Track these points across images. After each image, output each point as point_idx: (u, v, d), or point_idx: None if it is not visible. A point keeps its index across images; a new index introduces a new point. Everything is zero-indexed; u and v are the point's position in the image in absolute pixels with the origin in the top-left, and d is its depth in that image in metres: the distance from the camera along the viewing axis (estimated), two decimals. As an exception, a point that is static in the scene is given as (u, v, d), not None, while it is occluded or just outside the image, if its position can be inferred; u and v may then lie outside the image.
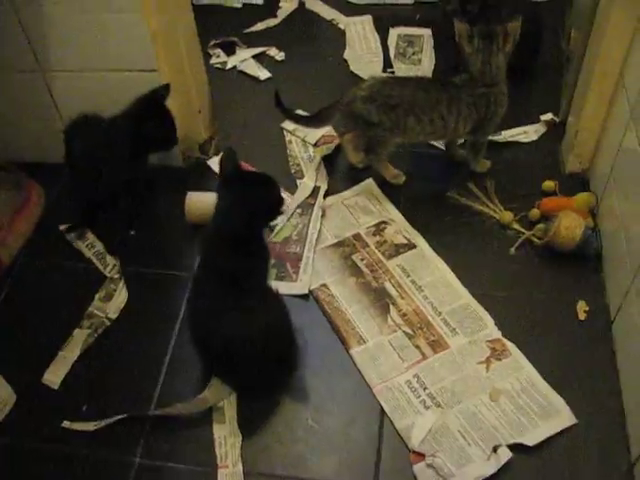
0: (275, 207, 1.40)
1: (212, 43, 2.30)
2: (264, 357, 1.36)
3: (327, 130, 1.94)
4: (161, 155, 1.84)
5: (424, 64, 2.20)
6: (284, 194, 1.68)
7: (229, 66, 2.26)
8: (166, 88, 1.67)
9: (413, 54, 2.25)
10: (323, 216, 1.76)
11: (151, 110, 1.67)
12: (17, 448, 1.42)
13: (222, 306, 1.34)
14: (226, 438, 1.39)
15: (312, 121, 1.85)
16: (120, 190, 1.76)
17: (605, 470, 1.29)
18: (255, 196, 1.34)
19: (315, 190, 1.81)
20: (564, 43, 2.15)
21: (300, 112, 1.90)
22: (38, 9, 1.66)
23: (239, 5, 2.51)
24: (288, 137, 1.97)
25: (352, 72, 2.19)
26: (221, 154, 1.44)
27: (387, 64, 2.22)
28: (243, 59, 2.27)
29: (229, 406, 1.44)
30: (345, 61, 2.24)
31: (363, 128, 1.75)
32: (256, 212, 1.35)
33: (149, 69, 1.71)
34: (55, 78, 1.80)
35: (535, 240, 1.66)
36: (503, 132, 1.92)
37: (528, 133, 1.94)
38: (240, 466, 1.35)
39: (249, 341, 1.33)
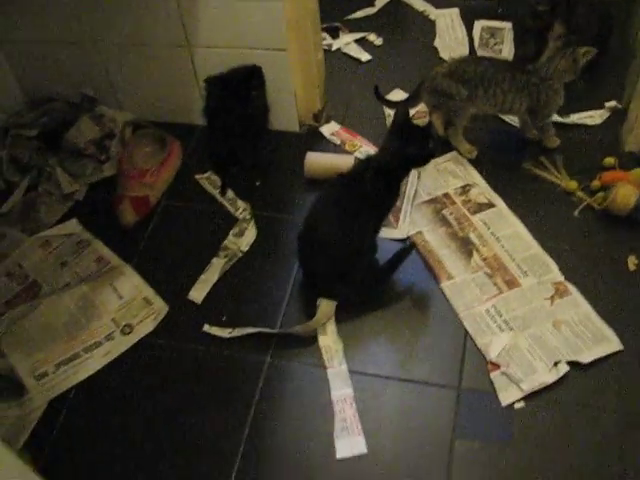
0: (427, 157, 1.71)
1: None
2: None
3: (419, 107, 2.22)
4: (281, 120, 2.18)
5: (504, 54, 2.46)
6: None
7: (334, 48, 2.54)
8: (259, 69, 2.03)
9: (495, 44, 2.50)
10: (418, 178, 2.07)
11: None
12: (168, 347, 1.77)
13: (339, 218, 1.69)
14: (330, 346, 1.72)
15: (405, 104, 2.12)
16: (243, 142, 2.09)
17: None
18: (415, 145, 1.66)
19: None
20: (631, 40, 2.37)
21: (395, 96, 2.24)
22: None
23: (341, -6, 2.80)
24: (387, 112, 2.25)
25: (441, 58, 2.45)
26: (396, 109, 1.77)
27: (472, 52, 2.47)
28: (346, 42, 2.55)
29: (330, 321, 1.76)
30: (435, 48, 2.51)
31: (444, 101, 2.05)
32: (412, 157, 1.68)
33: (280, 48, 2.01)
34: (198, 53, 2.10)
35: (595, 206, 1.93)
36: (572, 115, 2.18)
37: (594, 117, 2.20)
38: (345, 366, 1.68)
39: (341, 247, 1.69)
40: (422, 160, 1.71)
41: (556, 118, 2.16)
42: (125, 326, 1.82)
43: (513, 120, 2.19)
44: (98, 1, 2.05)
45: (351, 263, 1.72)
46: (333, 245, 1.70)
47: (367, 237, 1.74)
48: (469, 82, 2.00)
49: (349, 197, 1.69)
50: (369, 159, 1.73)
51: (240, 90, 2.00)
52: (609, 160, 2.05)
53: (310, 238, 1.75)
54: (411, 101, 2.15)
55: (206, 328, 1.79)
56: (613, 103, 2.23)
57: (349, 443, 1.56)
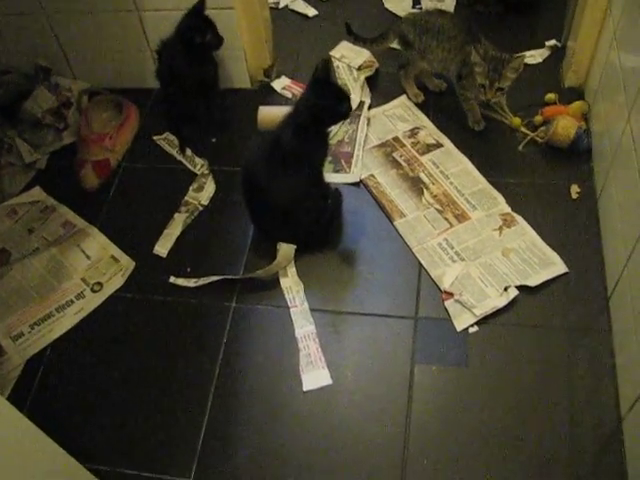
0: (343, 114, 1.70)
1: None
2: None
3: (368, 56, 2.28)
4: (233, 78, 2.24)
5: (447, 0, 2.53)
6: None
7: (281, 5, 2.60)
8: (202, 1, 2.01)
9: (439, -6, 2.56)
10: (368, 124, 2.14)
11: (196, 19, 2.02)
12: (138, 300, 1.85)
13: (277, 172, 1.72)
14: (291, 287, 1.81)
15: (375, 41, 2.20)
16: (196, 101, 2.13)
17: (587, 304, 1.69)
18: (333, 101, 1.66)
19: (361, 104, 2.18)
20: None
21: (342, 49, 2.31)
22: None
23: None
24: (336, 63, 2.30)
25: (386, 9, 2.53)
26: (317, 63, 1.69)
27: (415, 1, 2.55)
28: (293, -1, 2.62)
29: (290, 263, 1.84)
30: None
31: (403, 46, 2.12)
32: (329, 112, 1.68)
33: (227, 7, 2.06)
34: (148, 17, 2.15)
35: (538, 140, 2.02)
36: (514, 55, 2.28)
37: (535, 56, 2.28)
38: (307, 305, 1.77)
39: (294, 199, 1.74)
40: (336, 118, 1.72)
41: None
42: (95, 284, 1.88)
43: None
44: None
45: (291, 211, 1.79)
46: (269, 196, 1.76)
47: (304, 188, 1.77)
48: (426, 33, 2.05)
49: (277, 153, 1.71)
50: (289, 115, 1.73)
51: (189, 45, 2.02)
52: (550, 96, 2.14)
53: (249, 188, 1.82)
54: (379, 40, 2.21)
55: (172, 280, 1.86)
56: (553, 42, 2.32)
57: (314, 376, 1.66)
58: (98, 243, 1.97)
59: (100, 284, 1.88)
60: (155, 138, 2.21)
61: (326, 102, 1.65)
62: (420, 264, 1.81)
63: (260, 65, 2.29)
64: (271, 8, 2.46)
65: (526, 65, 2.22)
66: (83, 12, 2.18)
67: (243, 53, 2.20)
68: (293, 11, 2.60)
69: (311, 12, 2.57)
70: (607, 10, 1.95)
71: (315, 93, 1.67)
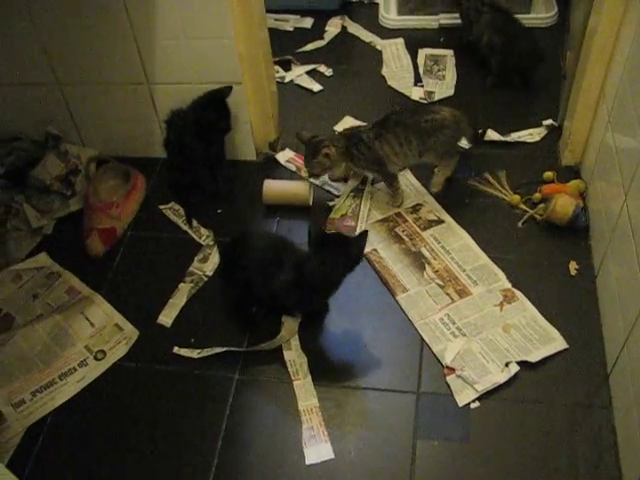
0: (353, 264, 1.73)
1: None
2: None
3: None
4: (239, 150, 2.29)
5: (447, 79, 2.61)
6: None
7: (287, 80, 2.67)
8: (229, 89, 2.10)
9: (438, 71, 2.64)
10: (371, 199, 2.19)
11: (215, 104, 2.12)
12: (141, 369, 1.84)
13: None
14: (295, 360, 1.82)
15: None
16: (203, 172, 2.19)
17: (587, 380, 1.71)
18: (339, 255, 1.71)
19: (364, 178, 2.24)
20: (562, 62, 2.55)
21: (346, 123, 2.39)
22: (152, 35, 2.08)
23: (291, 29, 2.94)
24: None
25: (389, 86, 2.60)
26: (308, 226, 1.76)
27: (417, 79, 2.63)
28: (298, 74, 2.68)
29: (294, 336, 1.86)
30: (382, 77, 2.65)
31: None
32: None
33: (236, 82, 2.12)
34: (158, 89, 2.21)
35: (537, 217, 2.07)
36: (513, 134, 2.33)
37: (533, 135, 2.35)
38: (309, 378, 1.78)
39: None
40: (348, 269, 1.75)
41: (499, 137, 2.32)
42: (98, 352, 1.89)
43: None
44: (61, 44, 2.15)
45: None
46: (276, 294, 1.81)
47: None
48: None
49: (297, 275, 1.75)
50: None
51: (201, 124, 2.09)
52: (548, 174, 2.19)
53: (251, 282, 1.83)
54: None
55: (176, 350, 1.87)
56: (549, 121, 2.38)
57: (317, 450, 1.66)
58: (102, 311, 1.98)
59: (103, 352, 1.89)
60: (161, 207, 2.25)
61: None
62: (422, 339, 1.83)
63: (266, 138, 2.35)
64: (277, 82, 2.51)
65: (525, 143, 2.32)
66: (95, 83, 2.24)
67: (250, 126, 2.26)
68: (299, 85, 2.67)
69: (316, 87, 2.64)
70: (600, 94, 2.02)
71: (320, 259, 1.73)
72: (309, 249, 1.74)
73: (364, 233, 1.71)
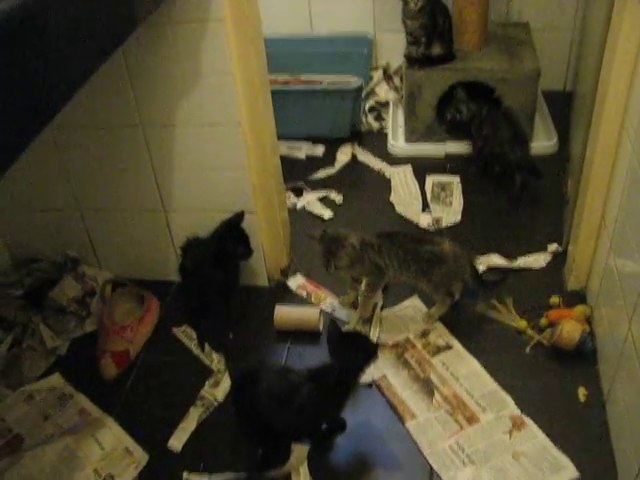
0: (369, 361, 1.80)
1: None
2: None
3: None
4: (251, 276, 2.35)
5: (454, 206, 2.69)
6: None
7: (299, 206, 2.75)
8: (242, 215, 2.18)
9: (445, 197, 2.73)
10: (380, 325, 2.23)
11: (233, 231, 2.20)
12: (149, 497, 1.85)
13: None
14: (303, 489, 1.82)
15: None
16: (216, 298, 2.25)
17: None
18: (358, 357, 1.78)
19: (374, 305, 2.28)
20: (564, 188, 2.63)
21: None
22: (170, 167, 2.19)
23: (303, 157, 3.05)
24: None
25: (398, 213, 2.68)
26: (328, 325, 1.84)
27: (425, 205, 2.70)
28: (310, 201, 2.77)
29: (303, 464, 1.86)
30: (391, 203, 2.73)
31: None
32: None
33: (249, 211, 2.20)
34: (174, 216, 2.29)
35: (545, 342, 2.09)
36: (519, 259, 2.38)
37: (538, 260, 2.39)
38: (319, 507, 1.77)
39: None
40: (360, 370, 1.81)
41: (505, 263, 2.38)
42: (107, 476, 1.89)
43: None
44: (83, 172, 2.26)
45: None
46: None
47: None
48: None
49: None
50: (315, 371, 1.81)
51: (223, 253, 2.17)
52: (554, 299, 2.23)
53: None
54: None
55: (185, 475, 1.86)
56: (555, 246, 2.44)
57: None
58: (113, 434, 1.99)
59: (112, 477, 1.89)
60: (174, 330, 2.29)
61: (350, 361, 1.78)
62: (431, 467, 1.82)
63: (277, 265, 2.41)
64: (289, 209, 2.59)
65: (530, 269, 2.36)
66: (114, 210, 2.33)
67: (262, 253, 2.32)
68: (310, 212, 2.74)
69: (327, 214, 2.71)
70: (601, 220, 2.08)
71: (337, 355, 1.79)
72: (328, 347, 1.80)
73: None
